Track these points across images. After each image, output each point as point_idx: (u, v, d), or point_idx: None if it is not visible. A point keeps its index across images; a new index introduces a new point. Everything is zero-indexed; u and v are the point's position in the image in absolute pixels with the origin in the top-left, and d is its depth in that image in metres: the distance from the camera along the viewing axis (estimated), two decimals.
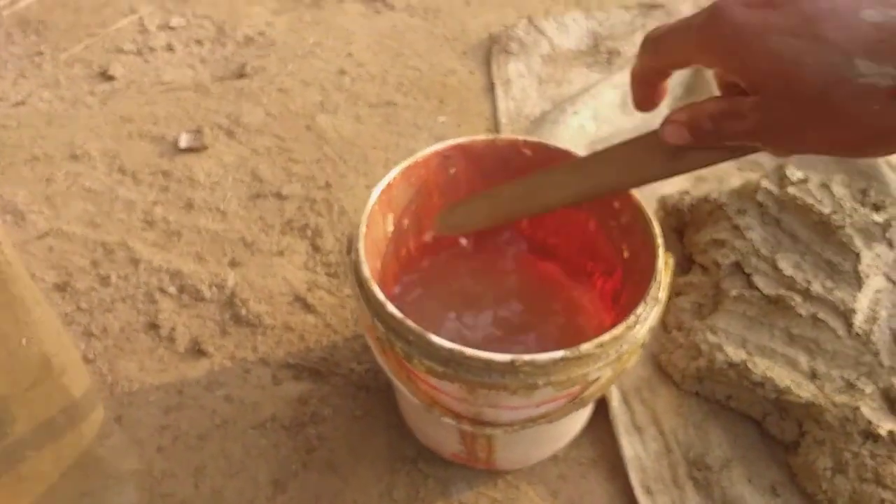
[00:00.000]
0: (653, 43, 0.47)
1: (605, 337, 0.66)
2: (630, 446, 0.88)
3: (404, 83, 1.38)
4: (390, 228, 0.86)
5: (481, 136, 0.87)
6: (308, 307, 1.01)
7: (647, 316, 0.71)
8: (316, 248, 1.09)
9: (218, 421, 0.89)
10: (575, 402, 0.75)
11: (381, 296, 0.69)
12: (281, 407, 0.91)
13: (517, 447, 0.82)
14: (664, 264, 0.74)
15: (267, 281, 1.04)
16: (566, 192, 0.48)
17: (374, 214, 0.80)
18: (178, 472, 0.85)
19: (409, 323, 0.67)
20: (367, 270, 0.71)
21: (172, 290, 1.02)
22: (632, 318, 0.68)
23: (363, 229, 0.75)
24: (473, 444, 0.81)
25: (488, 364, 0.65)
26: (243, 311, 0.99)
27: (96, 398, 0.69)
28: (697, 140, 0.47)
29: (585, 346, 0.65)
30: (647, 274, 0.73)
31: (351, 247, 0.76)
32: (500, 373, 0.66)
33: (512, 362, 0.64)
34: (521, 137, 0.88)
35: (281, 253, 1.08)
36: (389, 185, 0.82)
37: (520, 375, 0.66)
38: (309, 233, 1.10)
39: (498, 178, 0.90)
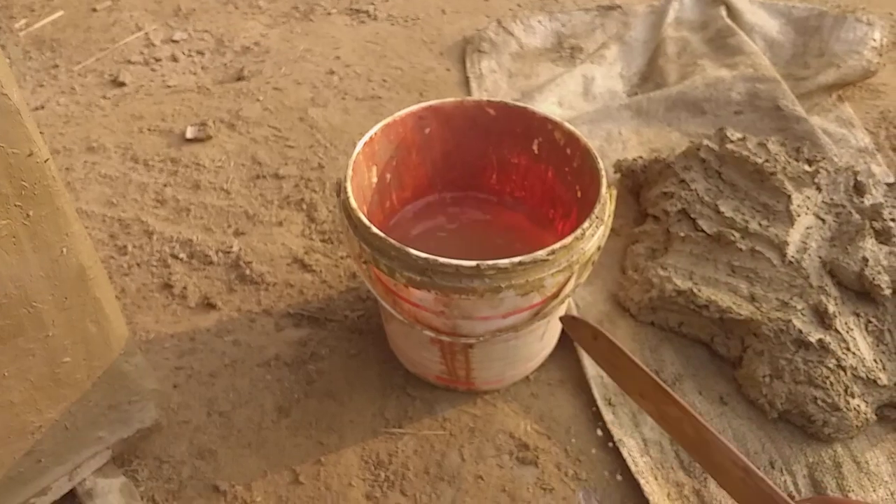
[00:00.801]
0: None
1: (556, 245, 0.78)
2: (592, 367, 0.99)
3: (387, 80, 1.52)
4: (374, 180, 0.98)
5: (451, 99, 1.00)
6: (306, 267, 1.13)
7: (593, 232, 0.83)
8: (312, 219, 1.21)
9: (227, 361, 1.00)
10: (538, 315, 0.86)
11: (365, 220, 0.82)
12: (283, 348, 1.02)
13: (492, 365, 0.93)
14: (608, 193, 0.87)
15: (268, 247, 1.16)
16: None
17: (359, 164, 0.93)
18: (193, 403, 0.96)
19: (390, 240, 0.79)
20: (353, 202, 0.84)
21: (183, 256, 1.14)
22: (579, 231, 0.80)
23: (349, 173, 0.88)
24: (453, 363, 0.93)
25: (457, 269, 0.77)
26: (248, 272, 1.11)
27: (121, 317, 0.80)
28: None
29: (539, 253, 0.78)
30: (595, 204, 0.85)
31: (340, 188, 0.88)
32: (468, 277, 0.78)
33: (477, 266, 0.77)
34: (485, 98, 1.01)
35: (280, 223, 1.20)
36: (371, 140, 0.95)
37: (485, 279, 0.78)
38: (305, 206, 1.23)
39: (467, 137, 1.04)
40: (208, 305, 1.07)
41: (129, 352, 0.82)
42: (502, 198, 1.09)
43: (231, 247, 1.15)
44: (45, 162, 0.67)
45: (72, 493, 0.83)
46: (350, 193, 0.85)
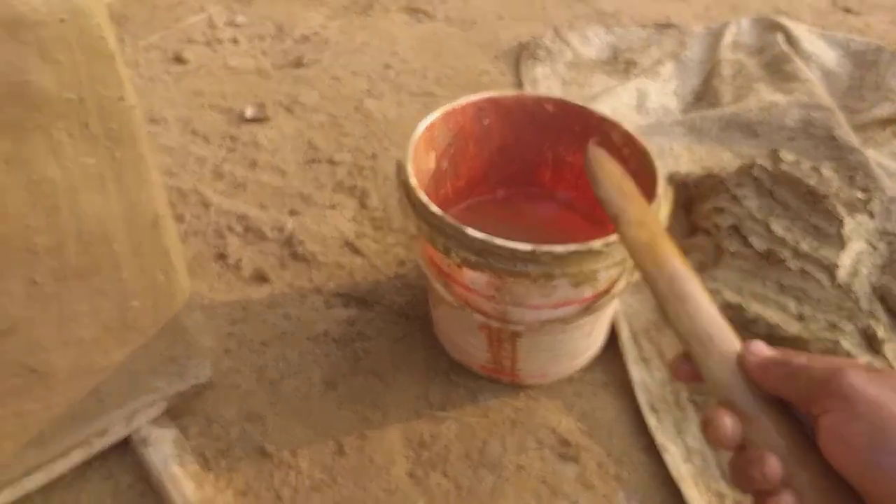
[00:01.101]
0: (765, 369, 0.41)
1: (611, 238, 0.79)
2: (637, 373, 1.00)
3: (442, 78, 1.54)
4: (432, 166, 1.00)
5: (510, 92, 1.02)
6: (356, 250, 1.15)
7: None
8: (363, 206, 1.23)
9: (278, 332, 1.02)
10: (588, 310, 0.88)
11: (425, 198, 0.84)
12: (332, 326, 1.04)
13: (538, 357, 0.94)
14: (663, 194, 0.88)
15: (321, 228, 1.18)
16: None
17: (419, 148, 0.94)
18: (243, 369, 0.97)
19: (449, 219, 0.81)
20: (414, 181, 0.86)
21: (239, 229, 1.16)
22: None
23: (410, 153, 0.90)
24: (499, 351, 0.94)
25: (513, 253, 0.79)
26: (300, 250, 1.13)
27: (186, 271, 0.82)
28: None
29: (594, 243, 0.79)
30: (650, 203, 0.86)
31: (400, 169, 0.90)
32: (523, 261, 0.79)
33: (533, 251, 0.78)
34: (544, 94, 1.03)
35: (333, 207, 1.22)
36: (432, 125, 0.97)
37: (539, 264, 0.79)
38: (357, 193, 1.25)
39: (525, 132, 1.05)
40: (261, 278, 1.09)
41: (190, 306, 0.84)
42: (555, 196, 1.10)
43: (285, 225, 1.18)
44: (133, 108, 0.69)
45: (126, 441, 0.85)
46: (410, 173, 0.87)
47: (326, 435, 0.90)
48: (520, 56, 1.63)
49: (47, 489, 0.82)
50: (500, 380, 0.98)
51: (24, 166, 0.65)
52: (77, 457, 0.81)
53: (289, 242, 1.15)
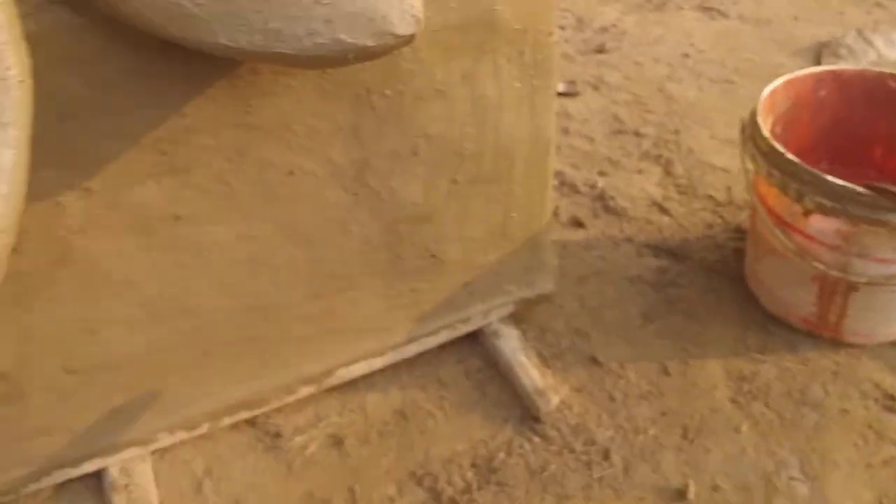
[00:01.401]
0: None
1: None
2: None
3: (740, 68, 1.58)
4: (768, 128, 1.05)
5: (851, 67, 1.05)
6: (663, 210, 1.23)
7: None
8: (668, 173, 1.31)
9: (594, 270, 1.12)
10: None
11: (780, 147, 0.89)
12: (644, 272, 1.12)
13: (868, 316, 0.96)
14: None
15: (629, 188, 1.27)
16: None
17: (764, 108, 1.00)
18: (566, 295, 1.08)
19: (807, 166, 0.86)
20: (766, 131, 0.92)
21: (555, 182, 1.28)
22: None
23: (760, 108, 0.96)
24: (829, 305, 0.96)
25: (875, 201, 0.82)
26: (611, 204, 1.23)
27: (551, 196, 0.94)
28: None
29: None
30: None
31: (748, 123, 0.97)
32: (884, 210, 0.82)
33: None
34: (888, 70, 1.04)
35: (639, 172, 1.31)
36: (774, 91, 1.02)
37: None
38: (662, 161, 1.33)
39: (860, 107, 1.07)
40: (577, 224, 1.20)
41: (549, 228, 0.96)
42: (883, 173, 1.10)
43: (596, 183, 1.28)
44: (555, 44, 0.83)
45: (475, 334, 0.98)
46: (762, 125, 0.94)
47: (649, 357, 0.98)
48: (820, 53, 1.62)
49: (413, 361, 0.97)
50: (821, 335, 1.00)
51: (472, 82, 0.80)
52: (444, 336, 0.96)
53: (600, 197, 1.25)
